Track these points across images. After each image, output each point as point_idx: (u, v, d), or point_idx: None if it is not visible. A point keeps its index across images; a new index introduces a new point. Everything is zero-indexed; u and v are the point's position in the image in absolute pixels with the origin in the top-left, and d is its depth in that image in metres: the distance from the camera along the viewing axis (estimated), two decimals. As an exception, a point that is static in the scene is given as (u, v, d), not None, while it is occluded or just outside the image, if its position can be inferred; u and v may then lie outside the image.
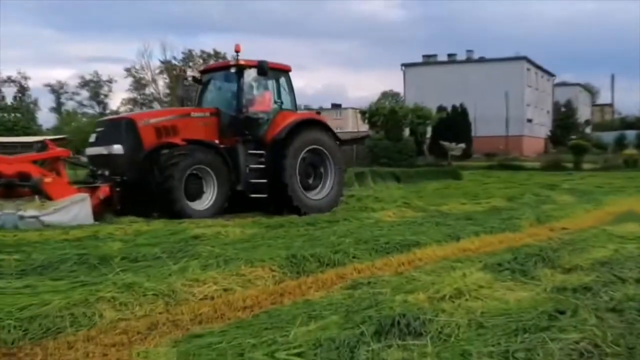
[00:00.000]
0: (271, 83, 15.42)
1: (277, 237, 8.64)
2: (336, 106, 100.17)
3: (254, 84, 15.06)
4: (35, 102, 72.56)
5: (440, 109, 48.76)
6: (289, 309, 4.74)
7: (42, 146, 13.01)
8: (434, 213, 12.71)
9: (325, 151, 15.10)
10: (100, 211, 11.88)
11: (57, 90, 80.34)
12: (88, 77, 78.14)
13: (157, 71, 68.15)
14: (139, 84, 70.00)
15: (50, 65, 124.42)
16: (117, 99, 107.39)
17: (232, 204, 13.84)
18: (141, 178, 12.70)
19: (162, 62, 67.50)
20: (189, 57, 65.84)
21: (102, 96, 78.97)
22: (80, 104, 78.62)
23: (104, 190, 12.12)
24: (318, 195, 14.88)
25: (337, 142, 15.85)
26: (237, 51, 14.52)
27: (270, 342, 3.82)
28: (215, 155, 13.43)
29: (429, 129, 44.31)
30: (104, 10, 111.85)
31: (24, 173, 11.30)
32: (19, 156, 12.11)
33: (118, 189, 12.45)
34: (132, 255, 6.74)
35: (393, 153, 36.05)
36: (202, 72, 16.13)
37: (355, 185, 22.08)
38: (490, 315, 4.26)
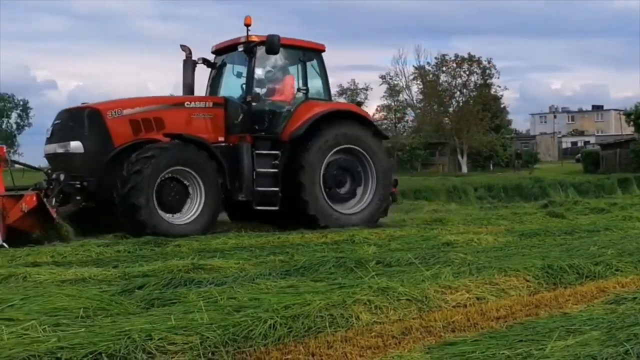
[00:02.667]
0: (295, 66, 12.41)
1: (531, 246, 8.35)
2: (597, 108, 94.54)
3: (270, 67, 12.34)
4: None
5: None
6: (545, 322, 4.56)
7: None
8: None
9: (364, 152, 12.18)
10: (29, 226, 9.46)
11: (362, 102, 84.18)
12: (345, 85, 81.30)
13: (411, 77, 69.27)
14: (393, 91, 71.46)
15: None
16: (373, 106, 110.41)
17: (241, 214, 11.90)
18: (104, 184, 10.24)
19: (416, 68, 68.52)
20: (442, 61, 66.04)
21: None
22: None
23: (29, 199, 9.30)
24: (355, 207, 12.12)
25: (381, 140, 12.80)
26: (247, 24, 11.53)
27: (525, 354, 3.71)
28: (202, 155, 10.76)
29: None
30: (360, 19, 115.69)
31: None
32: None
33: (54, 198, 9.88)
34: (386, 259, 6.89)
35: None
36: (214, 53, 12.93)
37: (619, 192, 20.66)
38: None
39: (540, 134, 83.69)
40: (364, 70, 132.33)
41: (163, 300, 4.97)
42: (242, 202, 11.36)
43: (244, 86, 11.94)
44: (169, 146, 10.53)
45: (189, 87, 12.40)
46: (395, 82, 70.69)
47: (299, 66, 12.30)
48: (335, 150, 11.85)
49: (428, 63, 67.99)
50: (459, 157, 62.71)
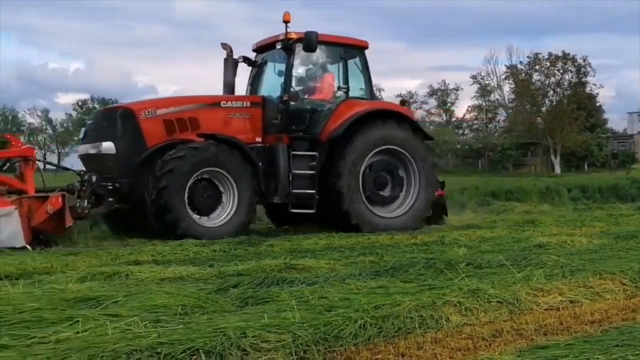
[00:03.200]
0: (336, 64, 11.97)
1: (628, 249, 8.04)
2: None
3: (310, 65, 11.94)
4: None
5: None
6: (642, 327, 4.40)
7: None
8: None
9: (406, 153, 11.69)
10: (54, 227, 9.23)
11: (407, 100, 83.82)
12: (436, 86, 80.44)
13: (502, 77, 67.97)
14: (484, 91, 70.32)
15: (401, 76, 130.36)
16: (463, 107, 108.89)
17: (281, 217, 11.75)
18: (137, 186, 10.06)
19: (507, 67, 67.22)
20: (534, 60, 64.52)
21: (448, 104, 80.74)
22: (429, 112, 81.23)
23: (54, 201, 9.06)
24: (396, 211, 11.64)
25: (424, 141, 12.22)
26: (285, 21, 11.12)
27: (621, 360, 3.60)
28: (236, 156, 10.45)
29: None
30: (451, 19, 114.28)
31: None
32: None
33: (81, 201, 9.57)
34: (477, 261, 6.79)
35: None
36: (255, 51, 12.55)
37: None
38: None
39: (638, 133, 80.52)
40: (455, 71, 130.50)
41: (256, 298, 5.07)
42: (278, 204, 11.08)
43: (278, 84, 11.63)
44: (202, 146, 10.23)
45: (229, 86, 12.12)
46: (487, 82, 69.69)
47: (340, 64, 11.87)
48: (375, 151, 11.41)
49: (520, 62, 66.70)
50: (552, 157, 61.09)
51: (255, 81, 12.33)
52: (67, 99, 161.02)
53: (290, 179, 10.86)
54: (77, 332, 3.96)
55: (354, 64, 12.01)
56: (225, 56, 12.05)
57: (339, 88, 11.74)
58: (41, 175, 10.15)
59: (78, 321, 4.11)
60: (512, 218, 13.18)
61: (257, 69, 12.34)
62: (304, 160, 11.01)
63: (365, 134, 11.28)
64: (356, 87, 11.94)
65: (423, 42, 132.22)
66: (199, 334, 3.81)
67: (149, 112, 10.39)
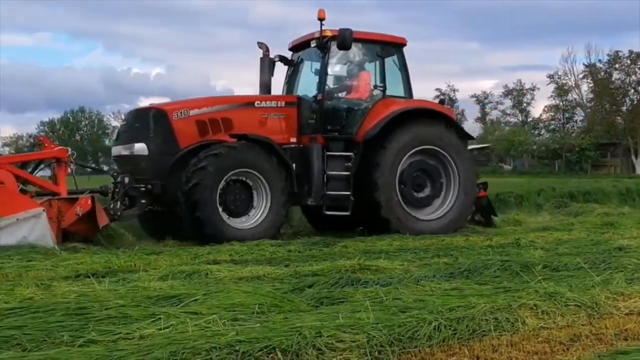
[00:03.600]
0: (373, 62, 11.51)
1: None
2: None
3: (345, 63, 11.56)
4: (461, 113, 75.78)
5: None
6: None
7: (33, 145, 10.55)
8: None
9: (445, 153, 11.21)
10: (84, 229, 9.11)
11: (482, 100, 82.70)
12: (511, 86, 78.94)
13: (580, 76, 66.20)
14: (561, 90, 68.61)
15: (476, 77, 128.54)
16: (540, 107, 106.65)
17: (318, 219, 11.38)
18: (170, 187, 9.86)
19: (586, 66, 65.40)
20: (614, 58, 62.59)
21: (524, 104, 79.14)
22: (504, 112, 79.80)
23: (83, 203, 8.97)
24: (434, 213, 11.17)
25: (465, 141, 11.76)
26: (320, 19, 10.70)
27: None
28: (269, 157, 10.16)
29: None
30: (526, 19, 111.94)
31: None
32: None
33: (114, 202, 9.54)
34: (554, 264, 6.66)
35: None
36: (291, 50, 12.13)
37: None
38: None
39: None
40: (531, 70, 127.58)
41: (331, 299, 5.10)
42: (313, 206, 10.76)
43: (313, 83, 11.28)
44: (237, 146, 10.00)
45: (265, 85, 11.66)
46: (564, 81, 67.90)
47: (377, 62, 11.42)
48: (413, 151, 10.97)
49: (599, 60, 64.70)
50: (633, 157, 59.06)
51: (291, 80, 12.03)
52: (149, 103, 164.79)
53: (325, 180, 10.53)
54: (160, 329, 4.09)
55: (392, 62, 11.61)
56: (261, 55, 11.71)
57: (375, 87, 11.33)
58: (73, 177, 10.12)
59: (160, 318, 4.25)
60: (591, 220, 12.80)
61: (293, 68, 12.03)
62: (339, 161, 10.67)
63: (402, 134, 10.87)
64: (394, 86, 11.48)
65: (498, 41, 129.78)
66: (275, 332, 3.87)
67: (181, 112, 10.15)
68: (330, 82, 11.22)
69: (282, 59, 11.98)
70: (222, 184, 9.75)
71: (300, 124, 10.84)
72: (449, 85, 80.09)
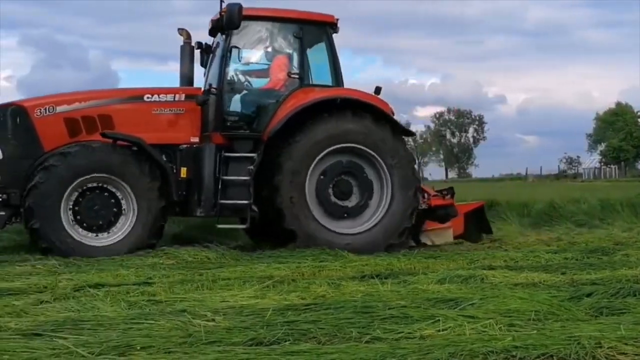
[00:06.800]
0: (290, 44, 9.32)
1: None
2: None
3: (256, 46, 9.38)
4: None
5: None
6: None
7: None
8: None
9: (373, 153, 8.94)
10: None
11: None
12: None
13: None
14: None
15: None
16: None
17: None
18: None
19: None
20: None
21: None
22: None
23: None
24: (362, 226, 8.94)
25: (401, 138, 9.39)
26: None
27: None
28: (138, 160, 8.45)
29: None
30: None
31: None
32: None
33: None
34: None
35: None
36: (210, 34, 9.88)
37: None
38: None
39: None
40: None
41: (611, 309, 4.76)
42: (203, 218, 9.16)
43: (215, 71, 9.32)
44: (96, 146, 8.43)
45: (187, 77, 9.49)
46: None
47: (296, 44, 9.28)
48: (329, 150, 8.86)
49: None
50: None
51: (208, 69, 9.90)
52: (424, 112, 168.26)
53: (220, 186, 8.68)
54: (438, 330, 4.14)
55: (314, 44, 9.58)
56: (182, 43, 9.59)
57: (290, 74, 9.21)
58: None
59: (439, 320, 4.30)
60: None
61: (212, 55, 9.86)
62: (240, 163, 8.75)
63: (315, 130, 8.80)
64: (320, 73, 9.49)
65: None
66: (552, 340, 3.72)
67: (46, 109, 8.55)
68: (232, 70, 9.22)
69: (200, 46, 9.86)
70: (69, 190, 8.23)
71: (204, 121, 9.04)
72: None
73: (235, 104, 9.27)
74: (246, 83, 9.51)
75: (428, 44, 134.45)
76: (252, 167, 8.69)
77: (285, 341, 3.90)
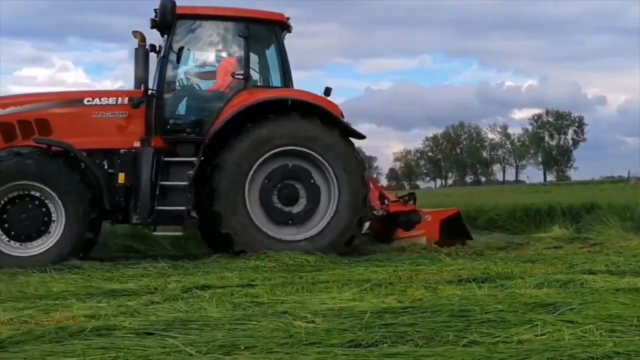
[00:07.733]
0: (234, 44, 9.01)
1: None
2: None
3: (196, 46, 9.07)
4: None
5: None
6: None
7: None
8: None
9: (319, 156, 8.52)
10: None
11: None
12: None
13: None
14: None
15: None
16: None
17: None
18: None
19: None
20: None
21: None
22: None
23: None
24: (306, 233, 8.51)
25: (349, 141, 8.83)
26: None
27: None
28: (67, 166, 8.07)
29: None
30: None
31: None
32: None
33: None
34: None
35: None
36: (161, 35, 9.25)
37: None
38: None
39: None
40: None
41: None
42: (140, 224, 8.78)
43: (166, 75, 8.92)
44: (23, 152, 8.07)
45: (141, 80, 8.84)
46: None
47: (241, 43, 8.93)
48: (273, 152, 8.50)
49: None
50: None
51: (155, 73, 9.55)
52: (522, 115, 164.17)
53: (157, 192, 8.36)
54: (536, 335, 4.07)
55: (262, 44, 9.32)
56: (136, 46, 9.01)
57: (234, 75, 8.85)
58: None
59: (537, 325, 4.22)
60: None
61: (157, 57, 9.53)
62: (179, 168, 8.45)
63: (256, 132, 8.45)
64: (271, 74, 9.28)
65: None
66: (656, 347, 3.59)
67: None
68: (176, 72, 8.93)
69: (154, 49, 9.40)
70: None
71: (148, 125, 8.69)
72: None
73: (176, 106, 9.03)
74: (188, 85, 9.25)
75: (524, 45, 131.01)
76: (191, 172, 8.39)
77: (383, 343, 3.93)
